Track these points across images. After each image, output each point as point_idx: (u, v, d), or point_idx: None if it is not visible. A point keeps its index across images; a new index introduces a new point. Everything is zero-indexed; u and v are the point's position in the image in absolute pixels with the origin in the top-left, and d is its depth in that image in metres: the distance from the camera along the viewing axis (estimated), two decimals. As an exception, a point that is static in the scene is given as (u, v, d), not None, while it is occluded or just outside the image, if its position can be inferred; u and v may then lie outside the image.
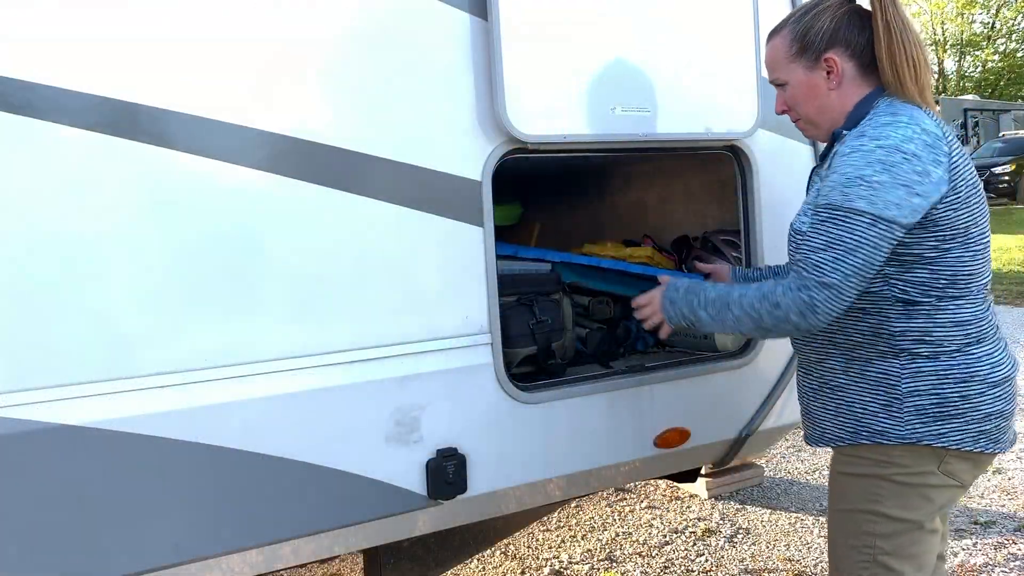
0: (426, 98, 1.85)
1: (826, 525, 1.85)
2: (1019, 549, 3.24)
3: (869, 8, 1.65)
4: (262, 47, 1.69)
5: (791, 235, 1.72)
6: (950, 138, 1.58)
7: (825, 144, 1.77)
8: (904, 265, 1.58)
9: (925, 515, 1.65)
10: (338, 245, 1.77)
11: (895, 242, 1.53)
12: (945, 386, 1.60)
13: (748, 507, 3.81)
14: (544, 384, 2.08)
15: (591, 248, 2.73)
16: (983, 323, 1.64)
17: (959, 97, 28.59)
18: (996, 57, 34.23)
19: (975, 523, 3.49)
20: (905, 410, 1.61)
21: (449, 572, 2.40)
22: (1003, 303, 8.24)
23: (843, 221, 1.52)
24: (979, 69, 35.14)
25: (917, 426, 1.60)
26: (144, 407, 1.60)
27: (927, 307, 1.59)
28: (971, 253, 1.59)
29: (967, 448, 1.61)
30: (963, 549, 3.25)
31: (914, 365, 1.61)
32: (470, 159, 1.89)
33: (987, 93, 32.42)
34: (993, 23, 33.76)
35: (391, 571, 2.18)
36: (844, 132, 1.64)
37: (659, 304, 1.84)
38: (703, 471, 3.77)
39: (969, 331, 1.61)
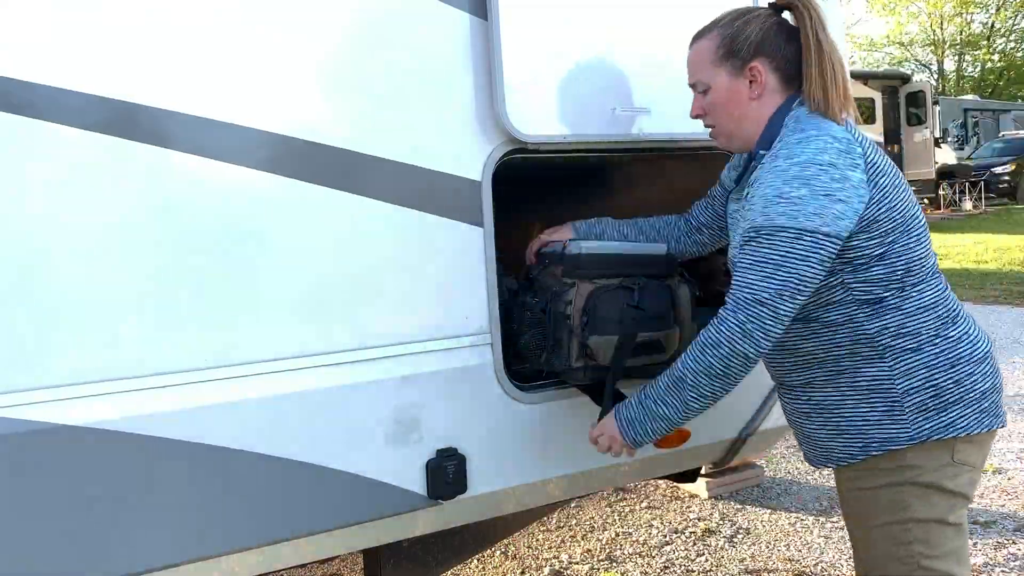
0: (426, 98, 1.85)
1: (852, 544, 1.80)
2: (1019, 549, 3.24)
3: (795, 24, 1.69)
4: (262, 47, 1.69)
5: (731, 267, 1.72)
6: (863, 140, 1.62)
7: (737, 171, 1.81)
8: (857, 268, 1.60)
9: (949, 508, 1.64)
10: (337, 245, 1.76)
11: (830, 252, 1.54)
12: (937, 375, 1.61)
13: (748, 507, 3.81)
14: (544, 384, 2.08)
15: None
16: (948, 302, 1.67)
17: (959, 97, 28.62)
18: (995, 57, 34.24)
19: (975, 523, 3.49)
20: (907, 410, 1.61)
21: (449, 572, 2.40)
22: (1003, 303, 8.24)
23: (767, 239, 1.54)
24: (978, 69, 35.16)
25: (922, 423, 1.60)
26: (143, 407, 1.59)
27: (893, 300, 1.61)
28: (915, 240, 1.62)
29: (974, 432, 1.62)
30: (963, 549, 3.25)
31: (902, 363, 1.62)
32: (470, 159, 1.89)
33: (987, 93, 32.44)
34: (992, 23, 33.77)
35: (391, 571, 2.18)
36: (761, 153, 1.67)
37: (616, 429, 1.74)
38: (703, 471, 3.77)
39: (939, 313, 1.64)
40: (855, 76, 14.84)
